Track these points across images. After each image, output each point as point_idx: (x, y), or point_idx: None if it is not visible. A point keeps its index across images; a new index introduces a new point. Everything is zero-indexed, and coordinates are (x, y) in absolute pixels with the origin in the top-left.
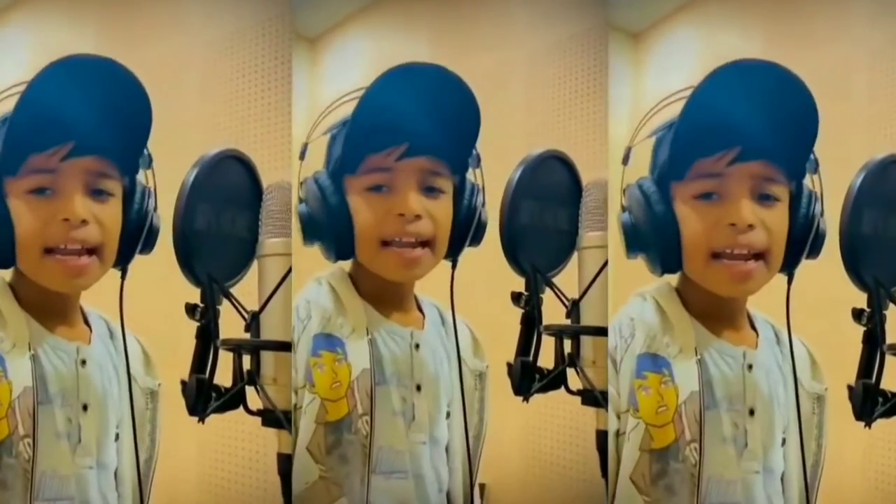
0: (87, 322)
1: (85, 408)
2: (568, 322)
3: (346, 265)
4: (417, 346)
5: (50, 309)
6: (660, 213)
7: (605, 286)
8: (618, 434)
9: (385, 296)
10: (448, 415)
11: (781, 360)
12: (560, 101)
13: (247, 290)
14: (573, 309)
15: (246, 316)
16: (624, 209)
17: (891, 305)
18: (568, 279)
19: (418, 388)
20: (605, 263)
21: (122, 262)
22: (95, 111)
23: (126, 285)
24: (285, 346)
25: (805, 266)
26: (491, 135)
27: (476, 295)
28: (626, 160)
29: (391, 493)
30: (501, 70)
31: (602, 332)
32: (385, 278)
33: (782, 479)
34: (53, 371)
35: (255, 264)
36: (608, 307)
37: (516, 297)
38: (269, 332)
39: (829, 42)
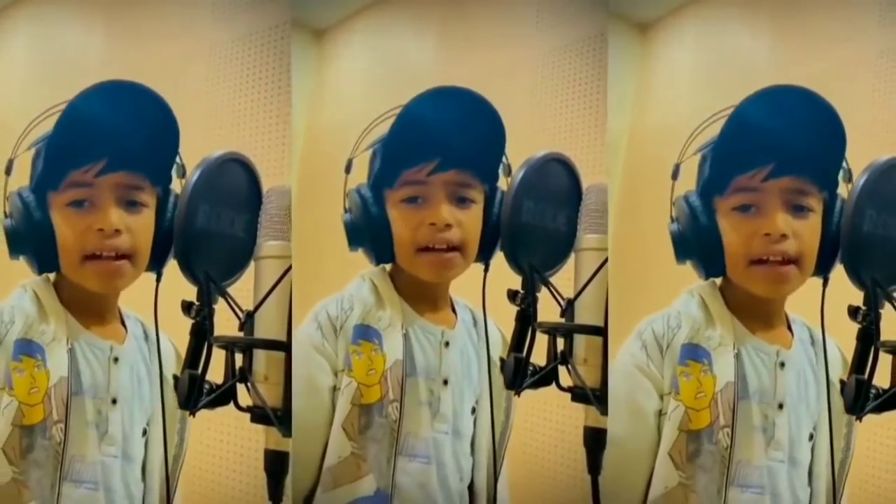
0: (123, 324)
1: (114, 401)
2: (562, 320)
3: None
4: (447, 343)
5: (88, 309)
6: (703, 224)
7: (601, 287)
8: (660, 413)
9: (420, 296)
10: (473, 410)
11: (815, 361)
12: (564, 102)
13: (242, 291)
14: (568, 308)
15: (241, 315)
16: (673, 220)
17: (886, 304)
18: (563, 279)
19: (445, 382)
20: (602, 265)
21: (157, 265)
22: (126, 131)
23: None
24: (278, 345)
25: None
26: None
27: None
28: (675, 175)
29: (413, 475)
30: (507, 69)
31: (596, 331)
32: (421, 280)
33: (810, 473)
34: (87, 365)
35: (251, 265)
36: (608, 306)
37: (512, 295)
38: (262, 331)
39: (834, 40)
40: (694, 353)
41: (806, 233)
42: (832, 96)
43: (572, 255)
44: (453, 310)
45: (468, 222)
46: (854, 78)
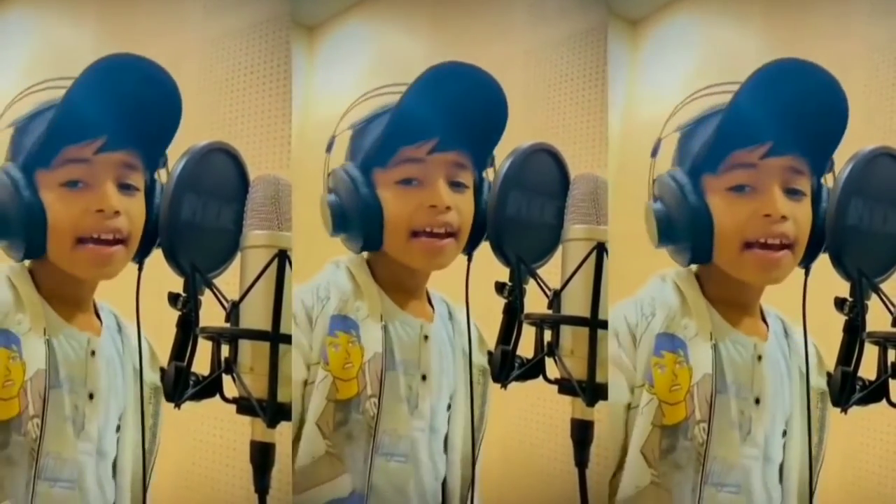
0: (98, 315)
1: (91, 396)
2: (549, 312)
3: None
4: (426, 337)
5: (66, 299)
6: (694, 203)
7: (587, 277)
8: (629, 407)
9: (399, 287)
10: (449, 407)
11: (789, 354)
12: (558, 95)
13: (232, 282)
14: (555, 299)
15: (226, 305)
16: (655, 199)
17: (872, 296)
18: (552, 271)
19: (423, 377)
20: (588, 255)
21: (140, 255)
22: (128, 108)
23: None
24: (263, 336)
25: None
26: None
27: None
28: (654, 153)
29: (390, 475)
30: (499, 63)
31: (582, 321)
32: (405, 268)
33: (781, 470)
34: (64, 358)
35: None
36: (596, 298)
37: (500, 287)
38: (248, 322)
39: (827, 35)
40: (670, 344)
41: (801, 217)
42: None
43: (560, 246)
44: (430, 303)
45: (463, 208)
46: (845, 73)
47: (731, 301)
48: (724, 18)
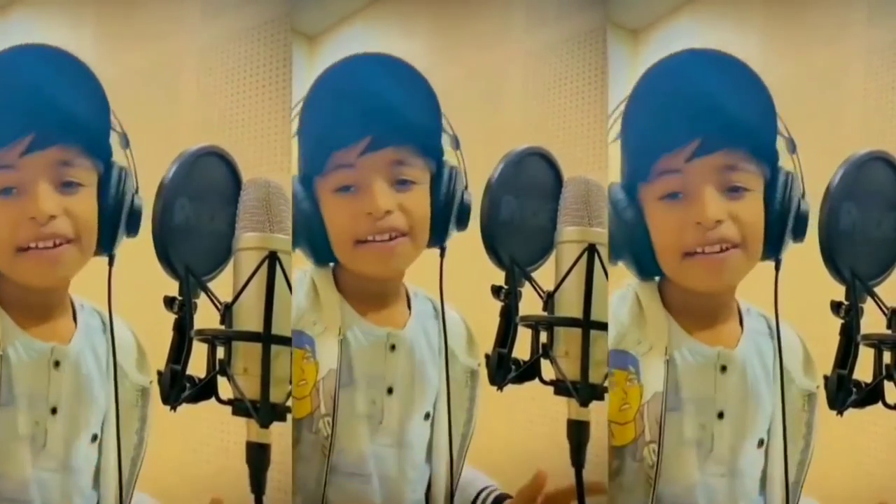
0: (75, 318)
1: (53, 411)
2: (544, 314)
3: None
4: (393, 346)
5: (28, 307)
6: (629, 218)
7: (580, 279)
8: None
9: (367, 294)
10: (428, 415)
11: (773, 356)
12: (557, 97)
13: (229, 283)
14: (548, 301)
15: (220, 308)
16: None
17: (868, 299)
18: (547, 273)
19: (389, 391)
20: (580, 256)
21: (107, 247)
22: (53, 98)
23: (118, 277)
24: (255, 337)
25: (798, 257)
26: (488, 133)
27: (467, 287)
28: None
29: (350, 493)
30: (498, 68)
31: (575, 323)
32: (362, 277)
33: (764, 479)
34: (21, 372)
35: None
36: (598, 297)
37: (496, 291)
38: (241, 323)
39: (826, 41)
40: (621, 361)
41: (745, 214)
42: (822, 95)
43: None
44: (409, 305)
45: (413, 206)
46: (844, 76)
47: (695, 310)
48: (724, 23)
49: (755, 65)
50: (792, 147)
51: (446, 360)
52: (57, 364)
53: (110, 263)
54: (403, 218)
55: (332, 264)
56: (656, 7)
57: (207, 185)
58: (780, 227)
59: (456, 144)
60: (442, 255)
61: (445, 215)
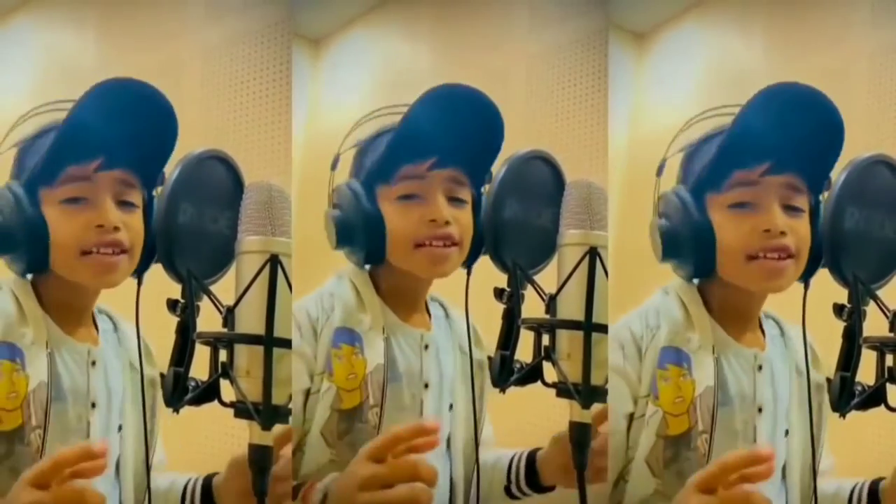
0: (95, 324)
1: (93, 405)
2: (546, 317)
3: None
4: (427, 346)
5: (68, 312)
6: (697, 220)
7: (582, 282)
8: (632, 417)
9: (401, 298)
10: (451, 406)
11: (785, 354)
12: (560, 100)
13: (232, 286)
14: (550, 304)
15: (222, 310)
16: (660, 216)
17: (870, 302)
18: (550, 276)
19: (426, 386)
20: (581, 259)
21: (139, 270)
22: (126, 129)
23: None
24: (257, 340)
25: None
26: None
27: (470, 290)
28: (659, 172)
29: None
30: (501, 71)
31: (577, 325)
32: (408, 278)
33: (784, 470)
34: (66, 370)
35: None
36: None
37: (499, 293)
38: (243, 326)
39: (829, 45)
40: (675, 357)
41: (801, 231)
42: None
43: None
44: (427, 310)
45: (463, 221)
46: (847, 78)
47: (733, 313)
48: (727, 28)
49: (758, 67)
50: (828, 185)
51: (471, 361)
52: (94, 364)
53: (139, 284)
54: (458, 230)
55: (368, 268)
56: (659, 10)
57: (210, 188)
58: (817, 254)
59: (490, 178)
60: (468, 275)
61: (480, 240)
